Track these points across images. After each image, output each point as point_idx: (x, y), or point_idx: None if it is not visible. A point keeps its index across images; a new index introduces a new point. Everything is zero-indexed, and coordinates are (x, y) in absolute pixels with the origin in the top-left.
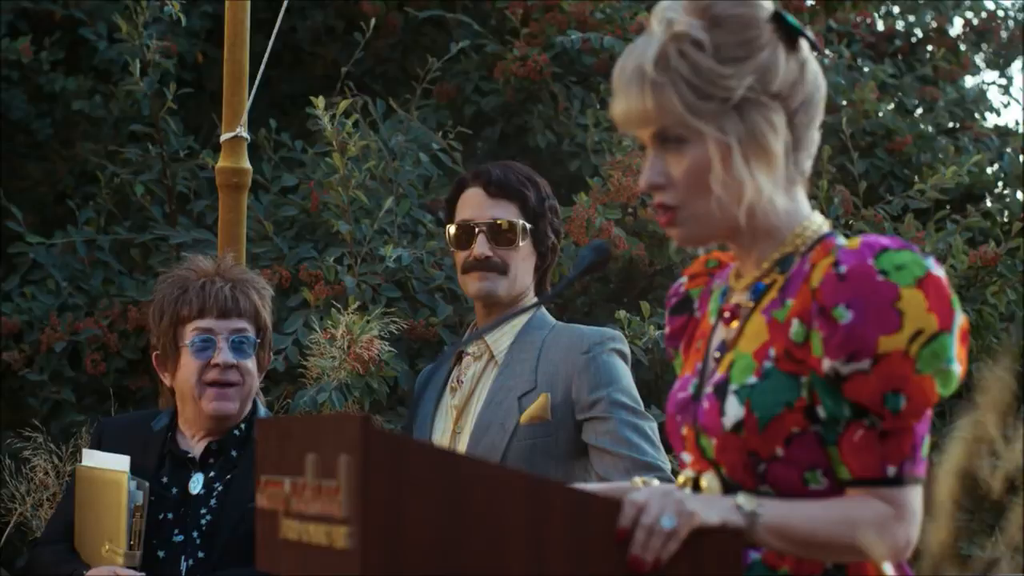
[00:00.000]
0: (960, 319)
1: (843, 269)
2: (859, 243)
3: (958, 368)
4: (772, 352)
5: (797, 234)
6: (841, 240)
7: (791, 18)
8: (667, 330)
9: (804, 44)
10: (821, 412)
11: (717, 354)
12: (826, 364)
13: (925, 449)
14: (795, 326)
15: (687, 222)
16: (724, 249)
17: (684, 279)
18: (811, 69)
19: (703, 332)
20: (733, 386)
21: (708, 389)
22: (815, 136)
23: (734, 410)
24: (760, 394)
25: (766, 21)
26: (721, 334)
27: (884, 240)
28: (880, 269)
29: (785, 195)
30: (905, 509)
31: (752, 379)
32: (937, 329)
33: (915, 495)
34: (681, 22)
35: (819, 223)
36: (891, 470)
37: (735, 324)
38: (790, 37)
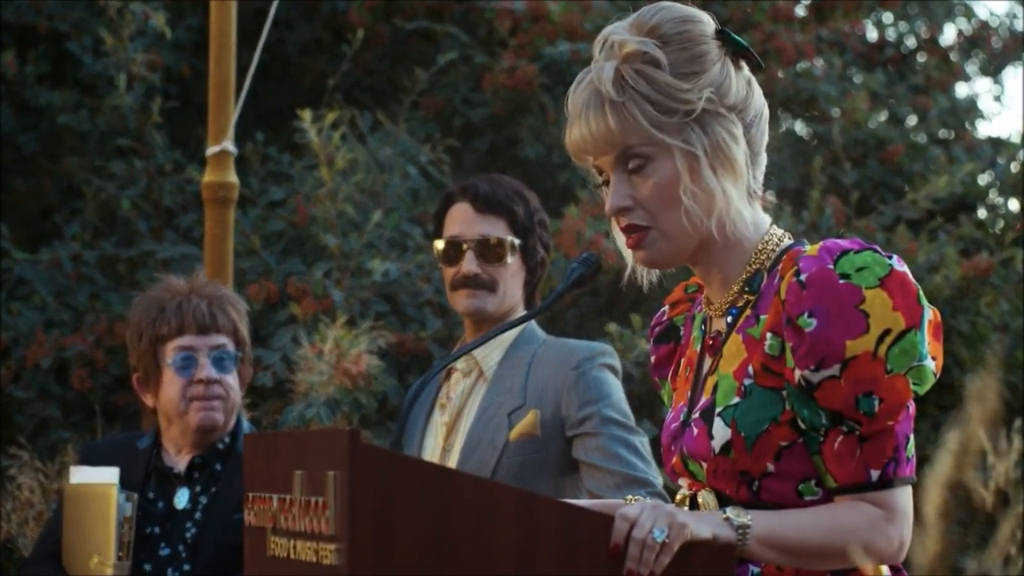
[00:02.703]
0: (929, 314)
1: (804, 277)
2: (818, 249)
3: (932, 364)
4: (750, 369)
5: (760, 249)
6: (807, 248)
7: (734, 35)
8: (652, 359)
9: (745, 64)
10: (800, 423)
11: (703, 384)
12: (797, 374)
13: (910, 448)
14: (769, 339)
15: (657, 241)
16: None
17: (666, 308)
18: (756, 86)
19: (689, 360)
20: (718, 408)
21: (695, 415)
22: (764, 156)
23: (721, 432)
24: (744, 413)
25: (712, 37)
26: (707, 363)
27: (844, 243)
28: (841, 273)
29: (749, 207)
30: (894, 511)
31: (735, 399)
32: (905, 327)
33: (903, 496)
34: (631, 42)
35: (780, 235)
36: (874, 474)
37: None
38: (735, 53)
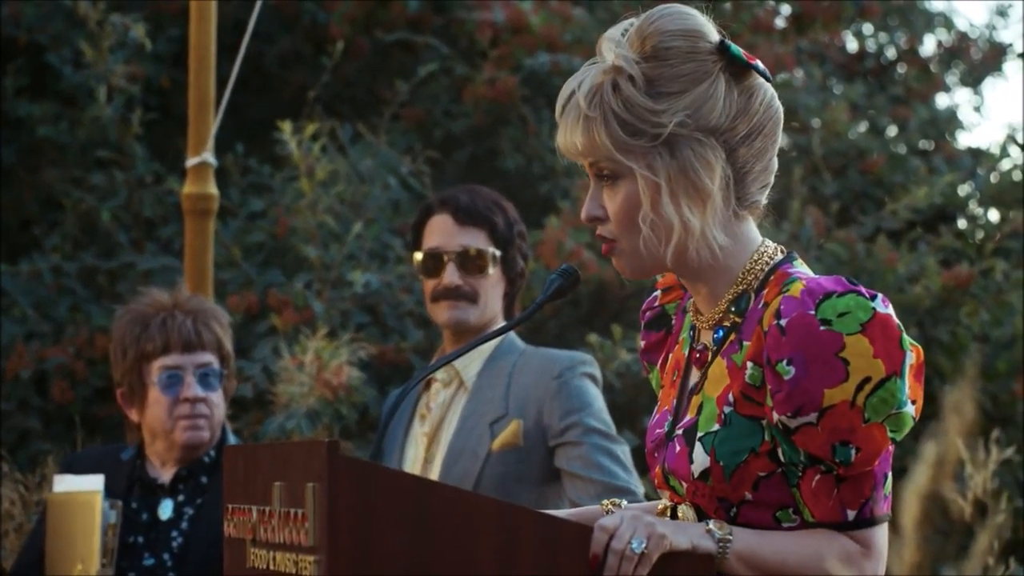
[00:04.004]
0: (911, 357)
1: (784, 322)
2: (801, 290)
3: (911, 409)
4: (731, 396)
5: (748, 269)
6: (797, 268)
7: (736, 49)
8: (642, 344)
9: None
10: (780, 456)
11: (689, 398)
12: (775, 416)
13: (888, 486)
14: (750, 369)
15: (622, 255)
16: None
17: (658, 292)
18: (760, 98)
19: (677, 361)
20: (700, 432)
21: (679, 431)
22: (771, 164)
23: (700, 458)
24: (723, 442)
25: (709, 52)
26: (694, 376)
27: (827, 284)
28: (822, 319)
29: (724, 231)
30: (871, 548)
31: (715, 426)
32: (885, 374)
33: (879, 533)
34: (619, 55)
35: (770, 252)
36: (851, 514)
37: (704, 366)
38: (734, 68)
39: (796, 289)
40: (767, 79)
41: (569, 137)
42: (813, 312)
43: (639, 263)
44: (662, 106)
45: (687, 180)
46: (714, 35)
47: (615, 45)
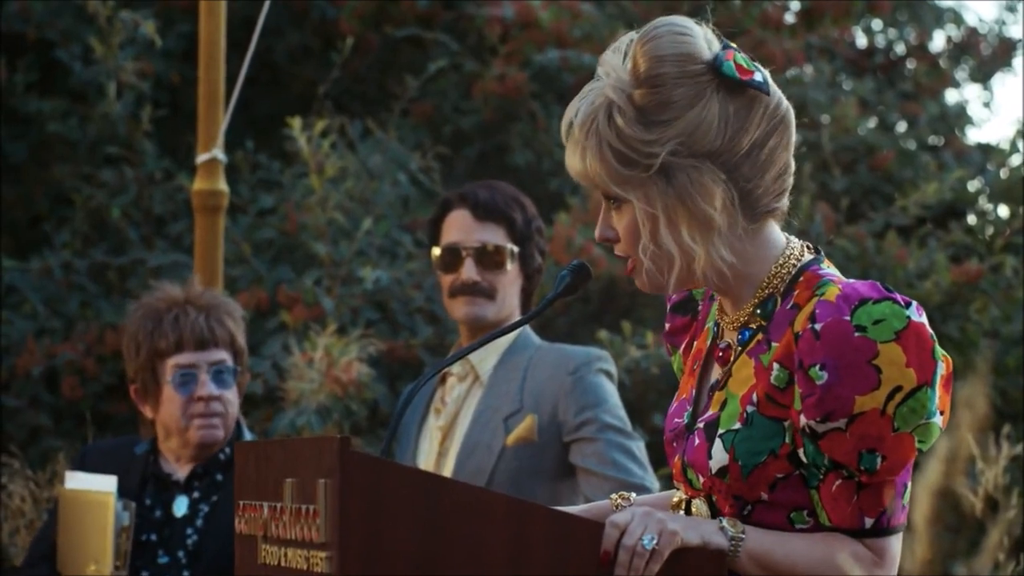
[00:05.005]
0: (942, 368)
1: (819, 327)
2: (837, 295)
3: (939, 419)
4: (755, 397)
5: (773, 274)
6: (826, 270)
7: (728, 68)
8: (667, 327)
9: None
10: (803, 456)
11: (710, 393)
12: (803, 420)
13: (907, 496)
14: (776, 370)
15: (641, 273)
16: None
17: None
18: (760, 110)
19: (699, 351)
20: (721, 429)
21: (699, 425)
22: (786, 170)
23: (719, 455)
24: (743, 441)
25: (701, 73)
26: (716, 372)
27: (864, 289)
28: (857, 325)
29: (733, 249)
30: (884, 556)
31: (737, 424)
32: (916, 384)
33: (894, 542)
34: (610, 85)
35: (797, 254)
36: (868, 521)
37: (728, 364)
38: (730, 85)
39: (832, 293)
40: (764, 92)
41: (570, 162)
42: (848, 318)
43: (655, 282)
44: (653, 136)
45: (685, 208)
46: (707, 53)
47: (611, 69)
